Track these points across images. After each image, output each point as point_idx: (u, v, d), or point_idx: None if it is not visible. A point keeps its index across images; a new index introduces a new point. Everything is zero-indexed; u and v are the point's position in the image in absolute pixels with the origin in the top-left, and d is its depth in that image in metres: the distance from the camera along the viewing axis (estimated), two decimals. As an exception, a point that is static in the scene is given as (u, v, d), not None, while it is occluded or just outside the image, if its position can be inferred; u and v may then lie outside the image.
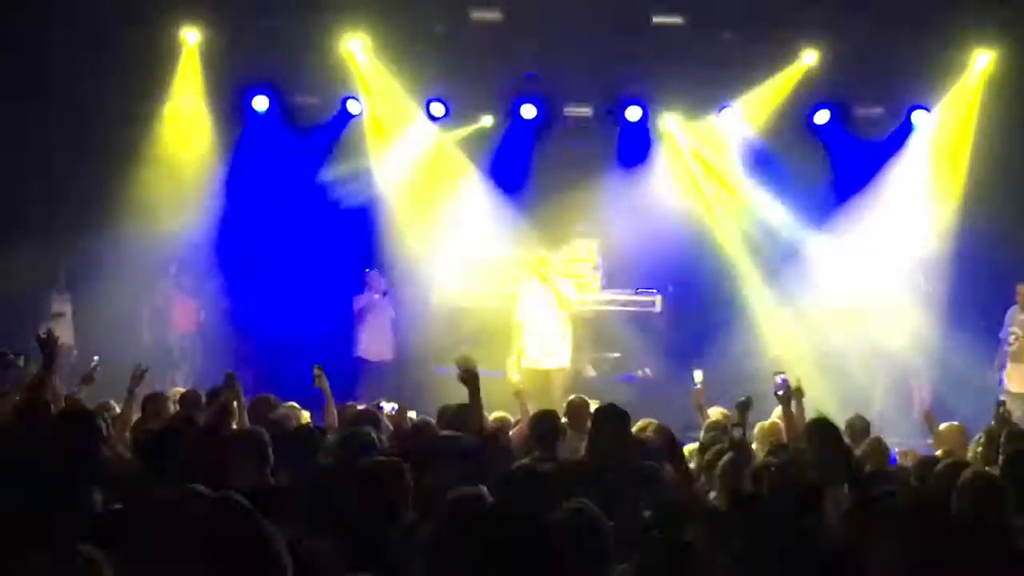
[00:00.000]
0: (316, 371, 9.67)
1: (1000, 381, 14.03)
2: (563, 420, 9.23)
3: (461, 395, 8.90)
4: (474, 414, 7.90)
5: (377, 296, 15.68)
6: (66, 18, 14.91)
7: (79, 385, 10.27)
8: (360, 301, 15.67)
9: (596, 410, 7.42)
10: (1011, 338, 14.10)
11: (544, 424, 8.41)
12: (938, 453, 8.36)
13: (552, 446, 8.15)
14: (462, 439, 7.26)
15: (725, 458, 7.26)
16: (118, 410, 9.51)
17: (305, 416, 9.85)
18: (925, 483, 7.09)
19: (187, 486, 4.22)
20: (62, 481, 5.54)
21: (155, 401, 9.85)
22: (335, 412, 9.65)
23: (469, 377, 8.06)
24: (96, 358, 10.68)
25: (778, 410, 9.83)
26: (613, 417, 7.22)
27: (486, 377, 9.04)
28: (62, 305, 16.09)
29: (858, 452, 8.34)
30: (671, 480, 7.42)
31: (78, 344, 15.65)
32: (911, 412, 15.39)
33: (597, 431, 7.18)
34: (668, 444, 8.79)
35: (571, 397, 10.18)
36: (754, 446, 8.92)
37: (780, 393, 8.69)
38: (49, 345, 8.15)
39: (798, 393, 8.76)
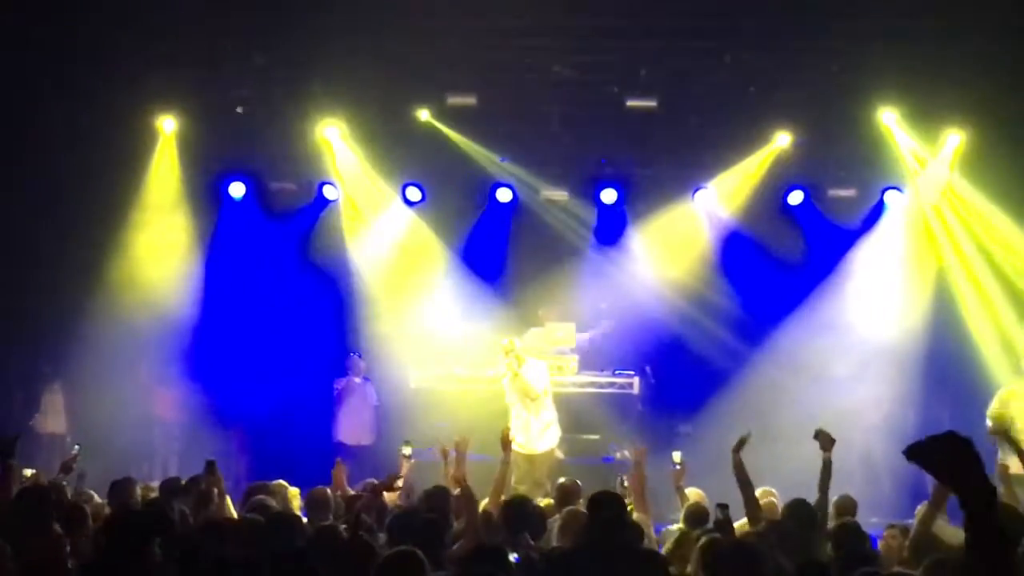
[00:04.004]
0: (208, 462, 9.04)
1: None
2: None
3: (438, 478, 8.91)
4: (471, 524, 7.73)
5: (357, 380, 15.65)
6: (42, 108, 14.94)
7: (59, 473, 10.20)
8: (340, 384, 15.64)
9: (592, 496, 7.24)
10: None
11: (514, 511, 8.37)
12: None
13: (522, 531, 8.11)
14: None
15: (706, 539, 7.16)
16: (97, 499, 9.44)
17: (294, 493, 9.80)
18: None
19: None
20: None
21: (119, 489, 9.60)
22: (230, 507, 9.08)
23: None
24: (76, 447, 10.66)
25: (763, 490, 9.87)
26: (609, 501, 7.11)
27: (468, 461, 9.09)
28: (52, 397, 16.01)
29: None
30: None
31: (70, 432, 15.62)
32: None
33: (594, 516, 7.05)
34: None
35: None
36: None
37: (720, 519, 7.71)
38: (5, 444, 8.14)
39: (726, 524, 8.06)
